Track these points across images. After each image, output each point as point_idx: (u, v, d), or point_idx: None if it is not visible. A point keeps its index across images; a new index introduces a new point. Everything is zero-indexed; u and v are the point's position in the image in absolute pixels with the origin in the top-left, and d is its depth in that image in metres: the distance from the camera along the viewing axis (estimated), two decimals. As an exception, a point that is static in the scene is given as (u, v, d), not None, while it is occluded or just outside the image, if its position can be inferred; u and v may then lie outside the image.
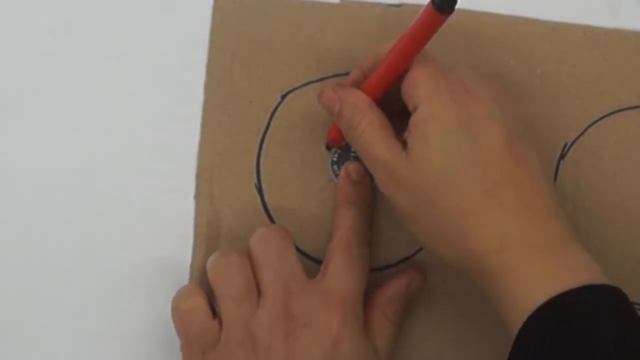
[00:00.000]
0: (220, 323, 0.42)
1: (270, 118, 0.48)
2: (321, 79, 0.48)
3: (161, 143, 0.47)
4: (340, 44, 0.48)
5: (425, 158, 0.40)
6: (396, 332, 0.45)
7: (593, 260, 0.39)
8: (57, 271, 0.46)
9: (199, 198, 0.47)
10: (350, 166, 0.46)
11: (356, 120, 0.42)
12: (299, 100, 0.48)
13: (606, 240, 0.47)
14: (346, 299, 0.42)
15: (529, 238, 0.39)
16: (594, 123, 0.48)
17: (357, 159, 0.45)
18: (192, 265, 0.46)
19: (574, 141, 0.48)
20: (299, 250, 0.45)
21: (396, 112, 0.43)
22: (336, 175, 0.47)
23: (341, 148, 0.47)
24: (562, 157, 0.48)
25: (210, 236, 0.47)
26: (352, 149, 0.46)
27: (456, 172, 0.39)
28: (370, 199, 0.46)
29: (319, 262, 0.46)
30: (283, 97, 0.48)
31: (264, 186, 0.47)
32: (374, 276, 0.45)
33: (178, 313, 0.43)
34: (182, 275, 0.46)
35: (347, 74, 0.47)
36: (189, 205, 0.47)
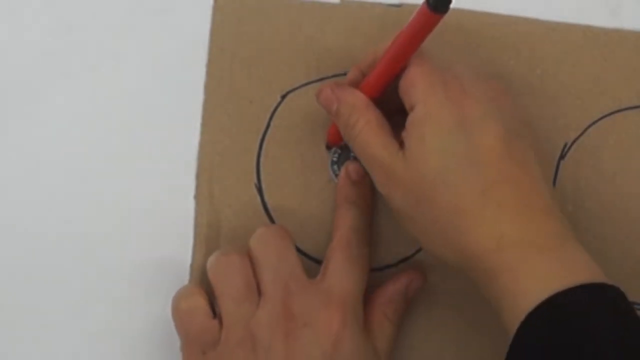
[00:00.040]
0: (220, 323, 0.42)
1: (270, 118, 0.48)
2: (321, 79, 0.48)
3: (161, 143, 0.47)
4: (340, 44, 0.48)
5: (422, 157, 0.40)
6: (396, 332, 0.44)
7: (592, 259, 0.39)
8: (57, 271, 0.46)
9: (199, 198, 0.47)
10: (350, 166, 0.46)
11: (353, 119, 0.42)
12: (299, 100, 0.48)
13: (606, 240, 0.47)
14: (346, 299, 0.42)
15: (527, 237, 0.38)
16: (594, 123, 0.48)
17: (357, 158, 0.45)
18: (192, 265, 0.46)
19: (574, 141, 0.48)
20: (299, 250, 0.45)
21: (394, 111, 0.43)
22: (336, 175, 0.47)
23: (341, 148, 0.47)
24: (562, 157, 0.48)
25: (210, 236, 0.47)
26: (352, 149, 0.46)
27: (453, 172, 0.39)
28: (370, 198, 0.46)
29: (319, 262, 0.46)
30: (283, 97, 0.48)
31: (264, 186, 0.47)
32: (374, 276, 0.45)
33: (178, 313, 0.43)
34: (182, 275, 0.46)
35: (347, 74, 0.46)
36: (189, 205, 0.47)
